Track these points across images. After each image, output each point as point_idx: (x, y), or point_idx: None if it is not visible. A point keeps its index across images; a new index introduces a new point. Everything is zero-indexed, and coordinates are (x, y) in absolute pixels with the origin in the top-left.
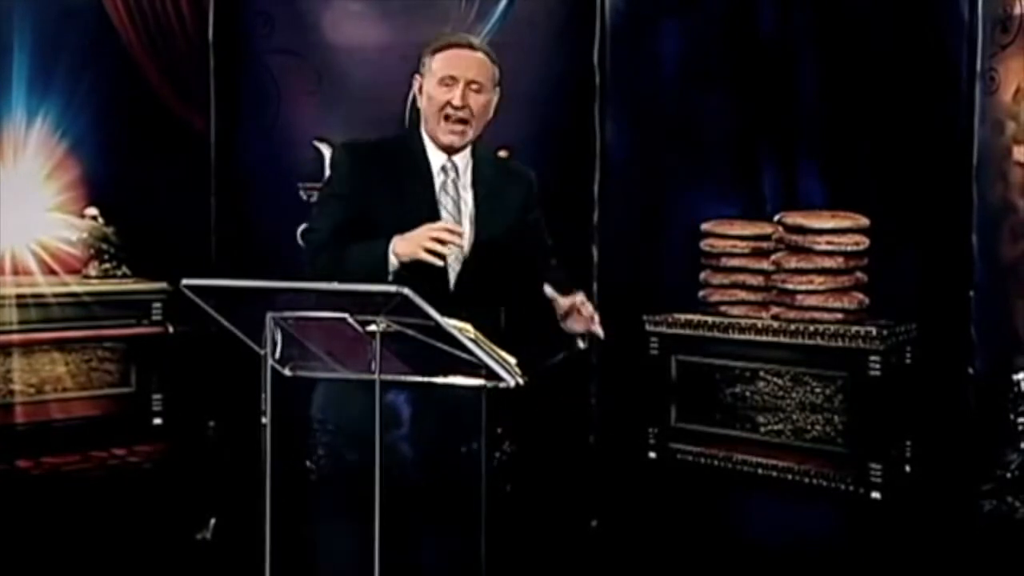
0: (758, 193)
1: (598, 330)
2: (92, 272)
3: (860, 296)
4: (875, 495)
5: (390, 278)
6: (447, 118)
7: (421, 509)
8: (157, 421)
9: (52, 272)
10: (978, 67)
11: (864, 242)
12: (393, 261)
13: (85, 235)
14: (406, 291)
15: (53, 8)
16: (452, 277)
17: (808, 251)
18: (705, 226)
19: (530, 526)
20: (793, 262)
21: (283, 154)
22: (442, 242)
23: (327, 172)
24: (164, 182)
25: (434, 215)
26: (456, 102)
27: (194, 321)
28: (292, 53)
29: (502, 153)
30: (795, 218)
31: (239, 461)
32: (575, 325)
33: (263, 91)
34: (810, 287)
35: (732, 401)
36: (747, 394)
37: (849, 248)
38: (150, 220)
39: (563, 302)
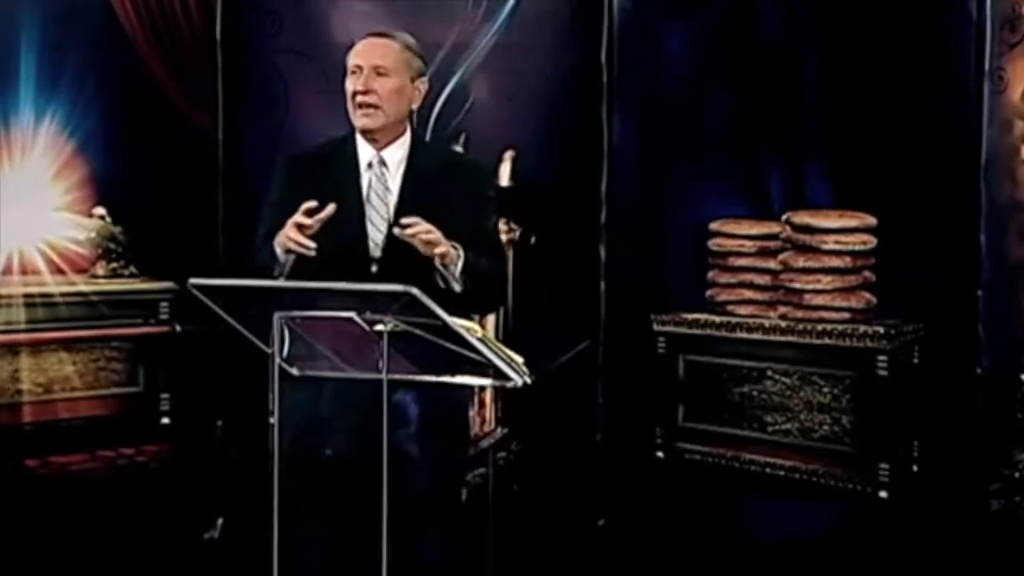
0: (765, 192)
1: (436, 251)
2: (100, 271)
3: (868, 296)
4: (883, 494)
5: (282, 273)
6: (356, 105)
7: (428, 508)
8: (165, 420)
9: (60, 271)
10: (986, 66)
11: (871, 241)
12: (278, 252)
13: (93, 234)
14: (413, 291)
15: (60, 8)
16: (374, 266)
17: (815, 250)
18: (713, 225)
19: (537, 525)
20: (800, 261)
21: None
22: (301, 227)
23: None
24: (172, 182)
25: (360, 210)
26: (359, 87)
27: (202, 321)
28: (300, 53)
29: (508, 155)
30: (802, 217)
31: (247, 460)
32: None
33: (271, 91)
34: (817, 286)
35: (740, 400)
36: (754, 393)
37: (856, 247)
38: (158, 219)
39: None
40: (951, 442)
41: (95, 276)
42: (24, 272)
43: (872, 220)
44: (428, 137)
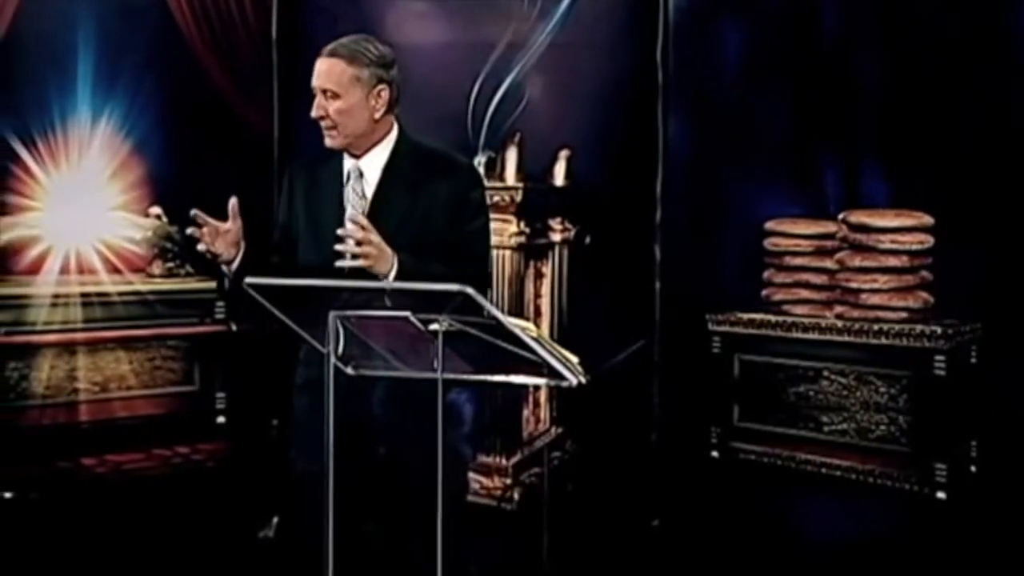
0: (821, 191)
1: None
2: (156, 271)
3: (925, 295)
4: (940, 495)
5: (229, 281)
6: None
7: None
8: (220, 419)
9: (116, 271)
10: None
11: (929, 240)
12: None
13: (149, 234)
14: (468, 290)
15: (117, 7)
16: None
17: (872, 250)
18: (768, 225)
19: (592, 525)
20: (857, 261)
21: None
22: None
23: None
24: (227, 181)
25: (338, 218)
26: (313, 113)
27: (257, 320)
28: None
29: (563, 154)
30: (859, 216)
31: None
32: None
33: None
34: (874, 286)
35: (795, 400)
36: (810, 393)
37: (913, 247)
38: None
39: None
40: (1010, 442)
41: (151, 275)
42: (81, 271)
43: (929, 219)
44: (483, 138)
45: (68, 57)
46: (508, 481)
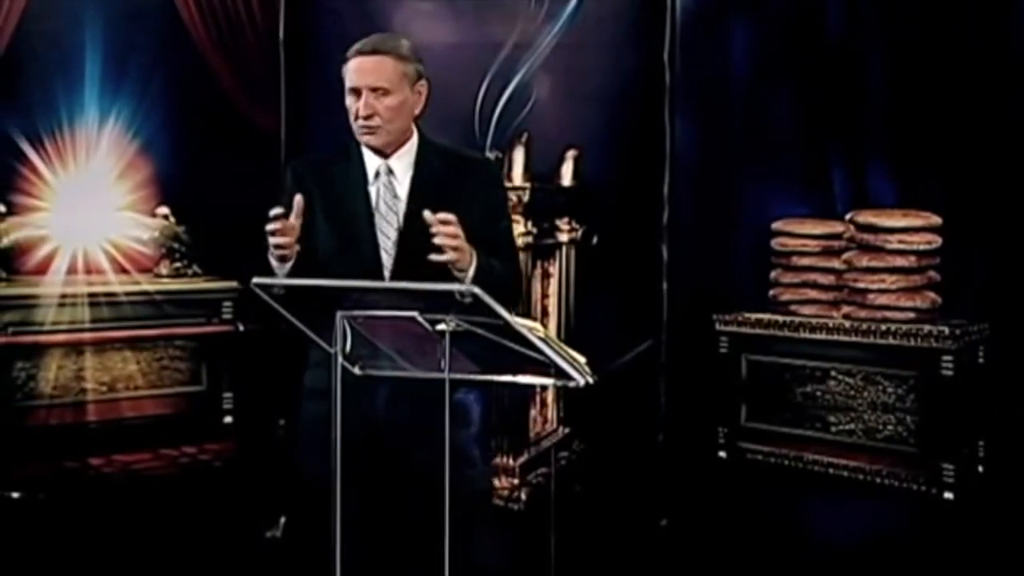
0: (828, 192)
1: (450, 256)
2: (163, 271)
3: (932, 295)
4: (948, 495)
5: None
6: (360, 126)
7: (490, 506)
8: (227, 419)
9: (124, 271)
10: None
11: (936, 241)
12: (273, 264)
13: (156, 234)
14: (476, 290)
15: (125, 8)
16: (387, 273)
17: (880, 250)
18: (776, 225)
19: (599, 525)
20: (864, 261)
21: None
22: (273, 237)
23: None
24: (235, 181)
25: (368, 218)
26: (361, 112)
27: (264, 319)
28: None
29: (571, 154)
30: (866, 217)
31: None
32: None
33: (333, 90)
34: (882, 286)
35: (803, 400)
36: (818, 393)
37: (921, 247)
38: (221, 219)
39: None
40: (1017, 443)
41: (159, 275)
42: (88, 271)
43: (937, 219)
44: (490, 138)
45: (76, 57)
46: (515, 481)
